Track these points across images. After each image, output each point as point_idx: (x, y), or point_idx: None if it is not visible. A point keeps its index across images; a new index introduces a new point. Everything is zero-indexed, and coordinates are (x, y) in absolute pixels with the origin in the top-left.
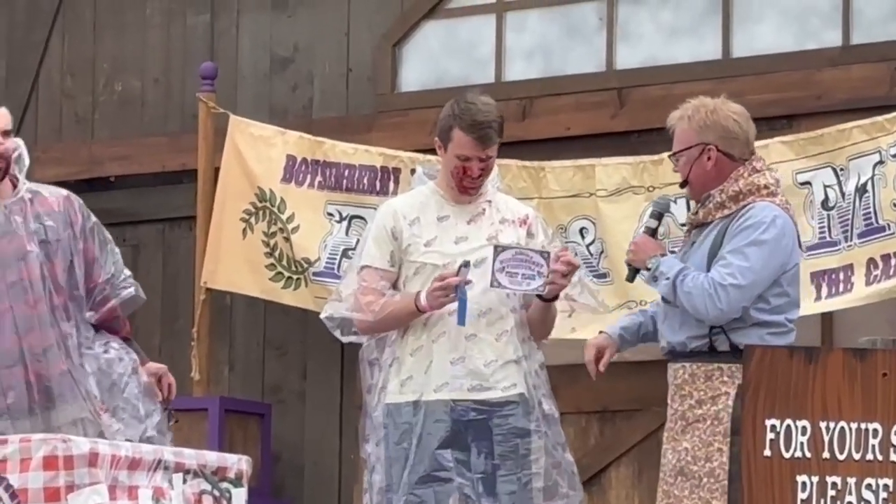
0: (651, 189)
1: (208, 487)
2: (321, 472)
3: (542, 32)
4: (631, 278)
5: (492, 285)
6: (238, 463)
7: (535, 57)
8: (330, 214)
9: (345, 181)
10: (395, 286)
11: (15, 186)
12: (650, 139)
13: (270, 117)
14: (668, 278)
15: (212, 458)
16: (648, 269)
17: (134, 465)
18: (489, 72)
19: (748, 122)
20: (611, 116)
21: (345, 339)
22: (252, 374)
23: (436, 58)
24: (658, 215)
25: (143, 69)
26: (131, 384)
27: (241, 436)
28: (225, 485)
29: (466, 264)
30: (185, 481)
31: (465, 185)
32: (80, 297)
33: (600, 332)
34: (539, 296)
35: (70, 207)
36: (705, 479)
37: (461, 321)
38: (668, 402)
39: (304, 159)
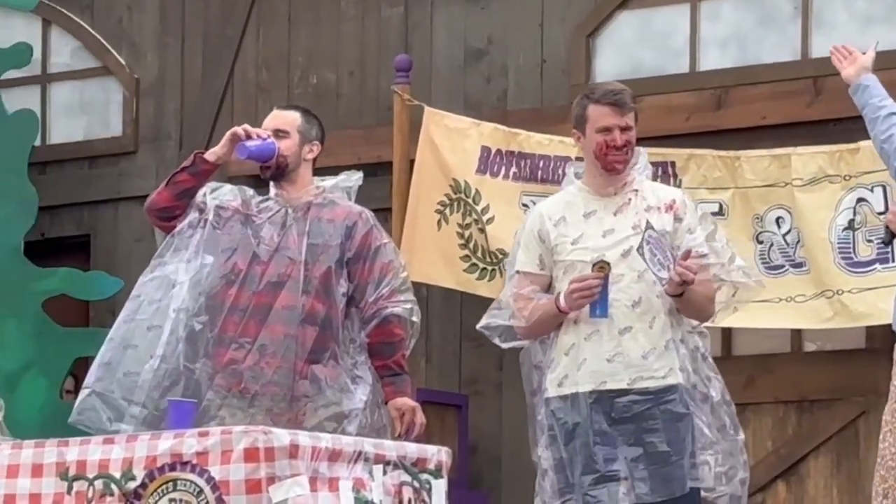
0: (847, 178)
1: (408, 479)
2: (518, 464)
3: (737, 21)
4: (888, 241)
5: (638, 250)
6: (438, 454)
7: (729, 46)
8: (524, 205)
9: (539, 172)
10: (550, 288)
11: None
12: (846, 127)
13: (465, 109)
14: None
15: (412, 449)
16: None
17: (334, 456)
18: (683, 61)
19: None
20: (806, 105)
21: (505, 346)
22: (449, 366)
23: (630, 48)
24: None
25: (338, 62)
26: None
27: (439, 427)
28: (425, 476)
29: (602, 266)
30: (385, 472)
31: (611, 159)
32: (335, 308)
33: None
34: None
35: (357, 223)
36: None
37: (603, 313)
38: (893, 383)
39: (499, 150)
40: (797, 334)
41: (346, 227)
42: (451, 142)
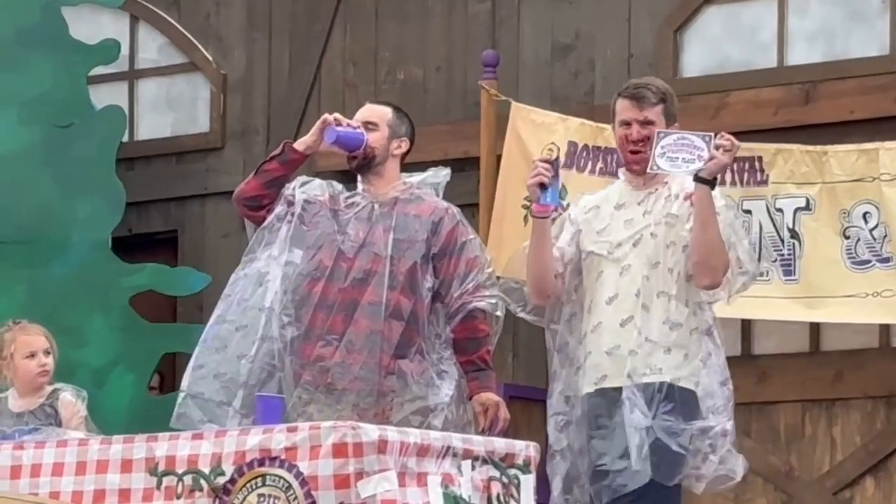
0: None
1: (497, 474)
2: None
3: (824, 16)
4: None
5: (651, 169)
6: (526, 449)
7: (817, 41)
8: None
9: None
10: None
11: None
12: None
13: (552, 104)
14: None
15: (500, 444)
16: None
17: (423, 451)
18: (771, 56)
19: None
20: (894, 100)
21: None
22: (535, 361)
23: (717, 43)
24: None
25: (425, 57)
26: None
27: (525, 422)
28: (513, 471)
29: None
30: (473, 468)
31: (630, 151)
32: (420, 303)
33: None
34: (699, 179)
35: (443, 219)
36: None
37: (554, 200)
38: None
39: (586, 146)
40: (885, 329)
41: (433, 222)
42: (538, 137)
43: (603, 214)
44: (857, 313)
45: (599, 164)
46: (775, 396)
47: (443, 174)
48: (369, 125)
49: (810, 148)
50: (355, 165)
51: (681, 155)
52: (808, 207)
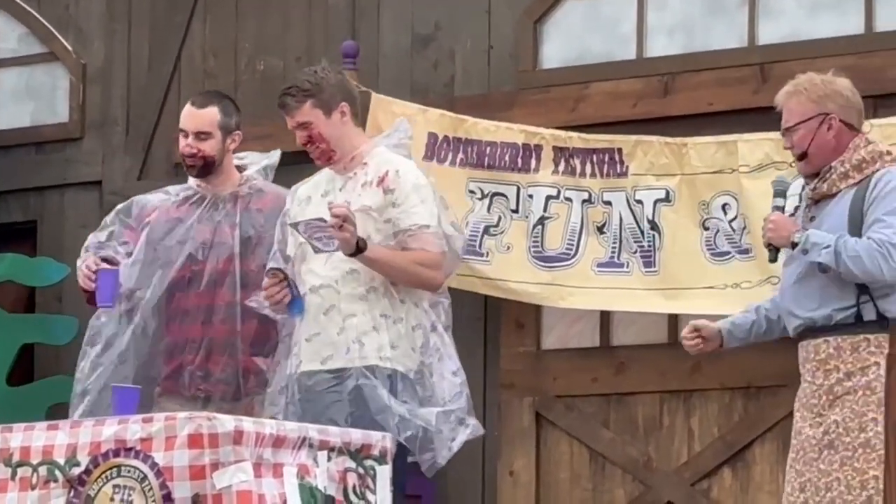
0: (793, 165)
1: (353, 465)
2: (464, 450)
3: (684, 8)
4: (774, 258)
5: (316, 252)
6: (382, 440)
7: (676, 33)
8: (472, 192)
9: (486, 158)
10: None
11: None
12: None
13: (412, 95)
14: (827, 246)
15: (356, 435)
16: (795, 244)
17: (279, 442)
18: (630, 48)
19: (858, 94)
20: (753, 92)
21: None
22: None
23: (577, 34)
24: (782, 194)
25: (285, 48)
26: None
27: None
28: (369, 462)
29: (275, 273)
30: (329, 459)
31: (311, 155)
32: None
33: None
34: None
35: (285, 206)
36: (860, 451)
37: (299, 310)
38: (808, 378)
39: (446, 137)
40: None
41: (276, 215)
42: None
43: (315, 204)
44: (716, 305)
45: (460, 156)
46: (634, 387)
47: (275, 156)
48: (202, 135)
49: (670, 140)
50: (195, 174)
51: (322, 235)
52: (667, 199)
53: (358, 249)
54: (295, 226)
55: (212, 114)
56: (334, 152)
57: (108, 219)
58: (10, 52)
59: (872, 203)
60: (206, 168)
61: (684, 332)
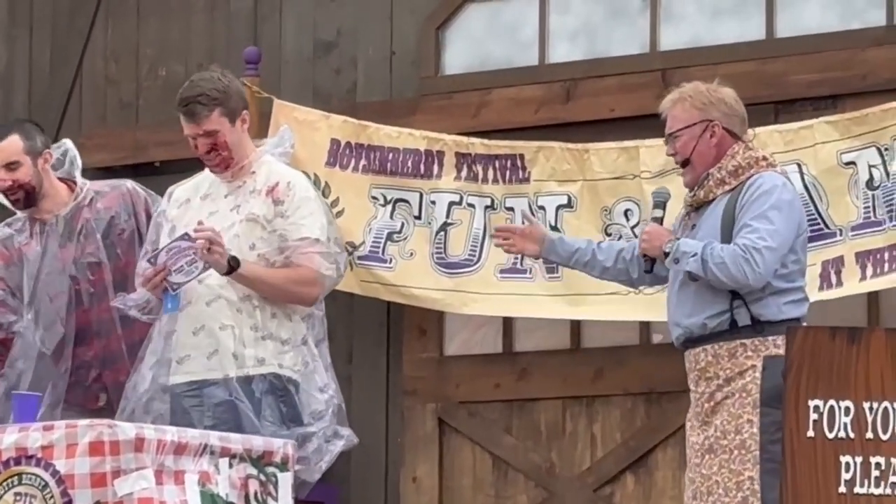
0: None
1: (254, 472)
2: (367, 456)
3: (586, 14)
4: (649, 269)
5: (172, 290)
6: (284, 447)
7: (578, 38)
8: (374, 198)
9: (389, 164)
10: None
11: (72, 191)
12: None
13: (314, 101)
14: (694, 254)
15: (258, 442)
16: (667, 254)
17: (180, 449)
18: (532, 54)
19: (741, 104)
20: (655, 97)
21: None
22: None
23: (479, 41)
24: (662, 205)
25: (188, 54)
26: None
27: None
28: (271, 469)
29: (184, 237)
30: (231, 466)
31: (208, 163)
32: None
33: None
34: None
35: (133, 197)
36: (736, 452)
37: (174, 307)
38: (692, 388)
39: (349, 143)
40: (645, 326)
41: (126, 208)
42: (301, 135)
43: (193, 206)
44: (619, 310)
45: (363, 162)
46: (536, 393)
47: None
48: (11, 165)
49: (571, 146)
50: (22, 206)
51: (182, 262)
52: (569, 205)
53: (231, 269)
54: (154, 258)
55: (14, 142)
56: (233, 160)
57: None
58: None
59: (743, 208)
60: (30, 197)
61: (497, 228)
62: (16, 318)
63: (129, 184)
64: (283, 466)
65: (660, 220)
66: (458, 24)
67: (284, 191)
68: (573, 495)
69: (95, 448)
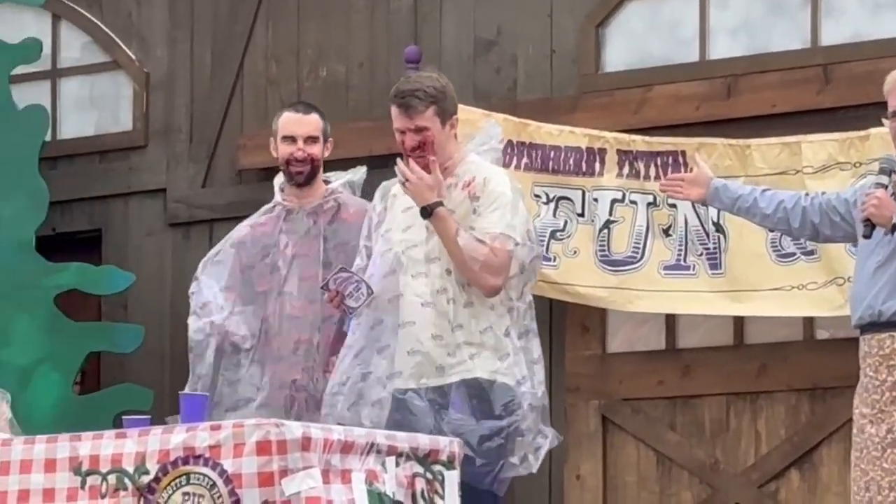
0: (858, 165)
1: (421, 470)
2: None
3: (746, 10)
4: (868, 234)
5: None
6: (450, 445)
7: (739, 35)
8: (537, 196)
9: (550, 163)
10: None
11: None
12: (857, 115)
13: (475, 100)
14: None
15: (424, 441)
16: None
17: (347, 448)
18: (693, 51)
19: None
20: (816, 93)
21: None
22: None
23: (639, 38)
24: (888, 172)
25: (348, 54)
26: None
27: None
28: (437, 467)
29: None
30: (397, 464)
31: (410, 158)
32: None
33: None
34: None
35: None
36: None
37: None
38: (870, 373)
39: (510, 141)
40: (809, 322)
41: (360, 225)
42: (462, 132)
43: (397, 202)
44: (782, 307)
45: (525, 160)
46: (700, 390)
47: (360, 173)
48: (310, 139)
49: (733, 141)
50: (301, 181)
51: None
52: None
53: (430, 212)
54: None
55: (316, 119)
56: (434, 162)
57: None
58: (73, 61)
59: None
60: (312, 174)
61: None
62: (245, 335)
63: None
64: (449, 465)
65: (884, 188)
66: (618, 22)
67: (480, 187)
68: (737, 492)
69: (263, 447)
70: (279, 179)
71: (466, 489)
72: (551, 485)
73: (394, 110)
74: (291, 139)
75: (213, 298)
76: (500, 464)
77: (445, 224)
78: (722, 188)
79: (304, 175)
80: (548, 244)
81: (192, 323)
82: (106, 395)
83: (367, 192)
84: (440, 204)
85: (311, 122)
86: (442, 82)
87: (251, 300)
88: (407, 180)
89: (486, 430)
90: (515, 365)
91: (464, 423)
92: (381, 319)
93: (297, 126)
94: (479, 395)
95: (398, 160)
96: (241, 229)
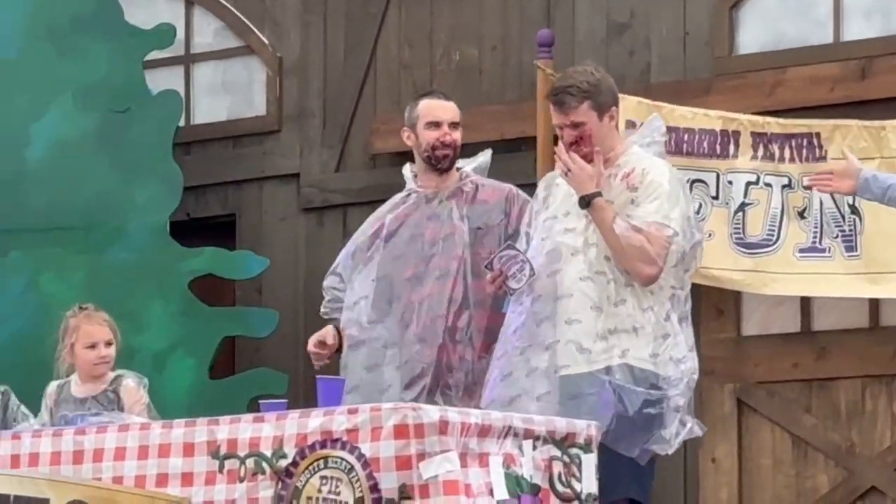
0: None
1: (558, 453)
2: None
3: None
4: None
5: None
6: (587, 429)
7: (873, 16)
8: None
9: (685, 145)
10: None
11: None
12: None
13: None
14: None
15: (561, 424)
16: None
17: (484, 432)
18: (827, 32)
19: None
20: None
21: None
22: None
23: (773, 19)
24: None
25: (481, 37)
26: None
27: None
28: (574, 450)
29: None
30: (534, 447)
31: (574, 152)
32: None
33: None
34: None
35: (513, 201)
36: None
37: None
38: None
39: (643, 124)
40: None
41: (501, 206)
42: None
43: (559, 190)
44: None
45: None
46: (835, 372)
47: (486, 155)
48: (455, 125)
49: (868, 123)
50: (446, 166)
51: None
52: None
53: (588, 202)
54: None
55: (455, 106)
56: (598, 153)
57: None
58: (206, 47)
59: None
60: (455, 159)
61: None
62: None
63: (514, 189)
64: (586, 447)
65: None
66: (752, 4)
67: (639, 177)
68: (874, 474)
69: (400, 431)
70: (410, 167)
71: (610, 455)
72: (686, 468)
73: (551, 107)
74: (436, 124)
75: (362, 294)
76: (652, 434)
77: (603, 214)
78: (871, 179)
79: (450, 159)
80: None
81: (345, 323)
82: (240, 380)
83: (494, 175)
84: (598, 194)
85: (454, 108)
86: (597, 76)
87: (399, 292)
88: (568, 170)
89: (649, 396)
90: (676, 346)
91: (628, 386)
92: (545, 314)
93: (442, 111)
94: (642, 374)
95: (557, 148)
96: (380, 219)
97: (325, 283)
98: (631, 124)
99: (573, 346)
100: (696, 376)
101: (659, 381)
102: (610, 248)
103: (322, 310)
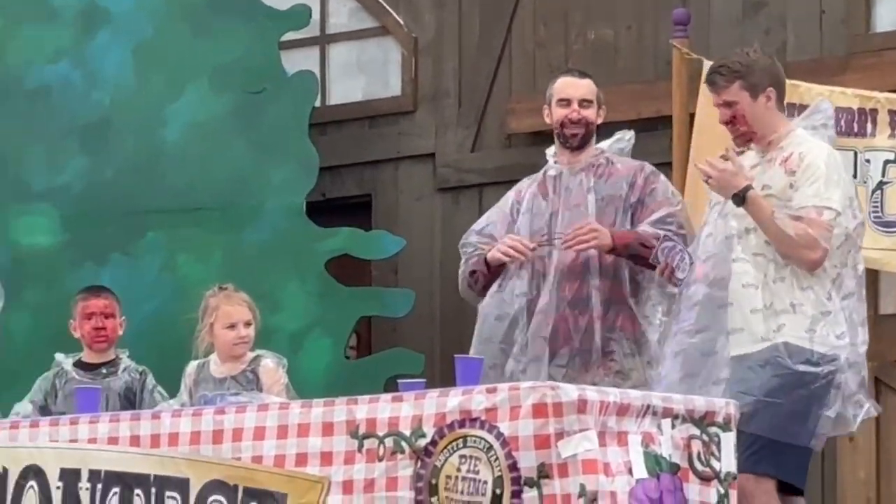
0: None
1: (697, 432)
2: None
3: None
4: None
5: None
6: (726, 407)
7: None
8: None
9: None
10: None
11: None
12: None
13: None
14: None
15: (700, 402)
16: None
17: (622, 410)
18: None
19: None
20: None
21: None
22: None
23: None
24: None
25: (616, 17)
26: None
27: None
28: (714, 429)
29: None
30: (673, 426)
31: (731, 135)
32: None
33: None
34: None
35: (638, 173)
36: None
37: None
38: None
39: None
40: None
41: (628, 178)
42: None
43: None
44: None
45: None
46: None
47: (627, 138)
48: (585, 102)
49: None
50: (576, 144)
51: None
52: None
53: (742, 198)
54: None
55: (590, 83)
56: (754, 134)
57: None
58: (341, 27)
59: None
60: (587, 137)
61: None
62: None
63: (647, 164)
64: (725, 426)
65: None
66: None
67: (797, 161)
68: None
69: (539, 410)
70: (552, 149)
71: (767, 444)
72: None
73: (707, 87)
74: (567, 102)
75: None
76: (813, 415)
77: (759, 207)
78: None
79: (579, 137)
80: None
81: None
82: (377, 360)
83: (630, 154)
84: (749, 188)
85: (586, 86)
86: (752, 57)
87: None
88: (709, 177)
89: (802, 374)
90: (836, 323)
91: (783, 362)
92: (723, 300)
93: (573, 89)
94: (799, 350)
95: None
96: (519, 191)
97: (468, 240)
98: None
99: (739, 345)
100: (863, 350)
101: (814, 357)
102: (771, 240)
103: (463, 267)
